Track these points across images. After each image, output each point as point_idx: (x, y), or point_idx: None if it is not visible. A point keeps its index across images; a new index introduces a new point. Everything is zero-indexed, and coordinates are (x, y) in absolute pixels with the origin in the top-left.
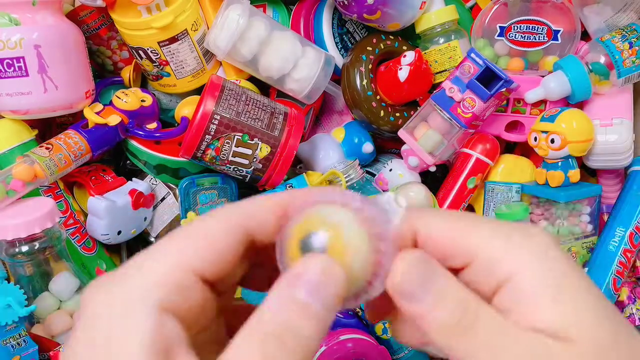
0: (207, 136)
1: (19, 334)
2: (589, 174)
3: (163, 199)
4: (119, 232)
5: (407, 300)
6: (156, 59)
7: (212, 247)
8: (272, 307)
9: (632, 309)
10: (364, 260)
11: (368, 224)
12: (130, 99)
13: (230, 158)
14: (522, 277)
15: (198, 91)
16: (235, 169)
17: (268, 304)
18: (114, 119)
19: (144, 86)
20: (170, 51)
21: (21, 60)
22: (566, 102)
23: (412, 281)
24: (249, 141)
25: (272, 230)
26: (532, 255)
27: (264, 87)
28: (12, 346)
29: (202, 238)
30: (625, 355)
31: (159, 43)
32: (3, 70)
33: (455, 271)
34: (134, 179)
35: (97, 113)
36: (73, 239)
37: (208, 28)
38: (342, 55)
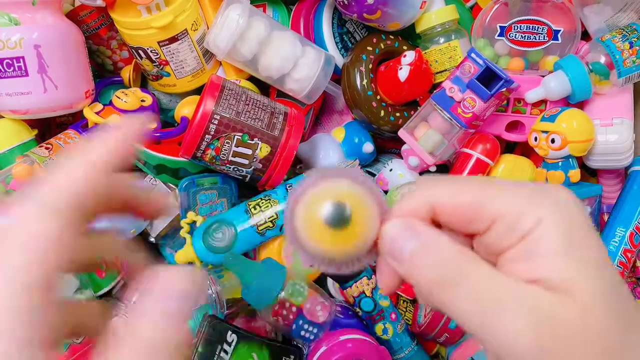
0: (207, 136)
1: None
2: (589, 174)
3: None
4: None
5: (395, 261)
6: (156, 58)
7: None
8: None
9: None
10: (375, 227)
11: (373, 194)
12: (130, 99)
13: (230, 158)
14: (538, 231)
15: (198, 91)
16: (235, 169)
17: None
18: (113, 119)
19: (144, 86)
20: (170, 51)
21: (21, 60)
22: (566, 102)
23: (396, 242)
24: (248, 141)
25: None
26: (551, 211)
27: (264, 87)
28: None
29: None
30: (613, 314)
31: (158, 43)
32: (3, 70)
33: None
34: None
35: (97, 113)
36: None
37: (208, 28)
38: (342, 55)
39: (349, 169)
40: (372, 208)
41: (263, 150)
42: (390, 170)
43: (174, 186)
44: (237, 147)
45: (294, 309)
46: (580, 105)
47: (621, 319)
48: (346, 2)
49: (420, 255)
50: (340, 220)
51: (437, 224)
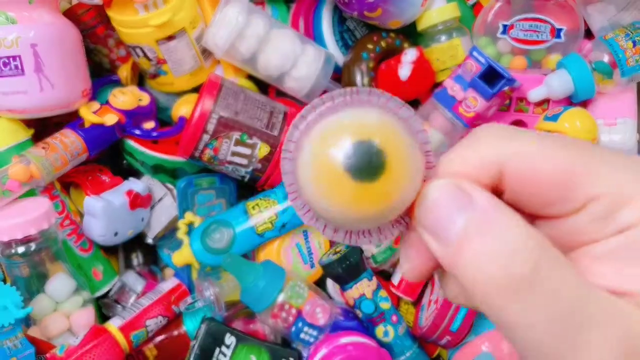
0: (205, 136)
1: (15, 336)
2: None
3: (160, 199)
4: (116, 233)
5: (436, 240)
6: (153, 57)
7: None
8: None
9: None
10: (417, 183)
11: (416, 134)
12: (127, 97)
13: (229, 158)
14: None
15: (196, 90)
16: (234, 169)
17: None
18: (110, 119)
19: (141, 85)
20: (167, 49)
21: (17, 59)
22: (569, 101)
23: (441, 211)
24: (247, 141)
25: None
26: None
27: (263, 86)
28: (9, 348)
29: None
30: None
31: (156, 41)
32: None
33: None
34: (131, 178)
35: (94, 112)
36: (69, 240)
37: (206, 26)
38: (343, 53)
39: (381, 93)
40: (413, 153)
41: (262, 150)
42: None
43: (171, 186)
44: (236, 146)
45: (293, 311)
46: (583, 104)
47: None
48: (346, 0)
49: (476, 237)
50: (368, 167)
51: (498, 195)
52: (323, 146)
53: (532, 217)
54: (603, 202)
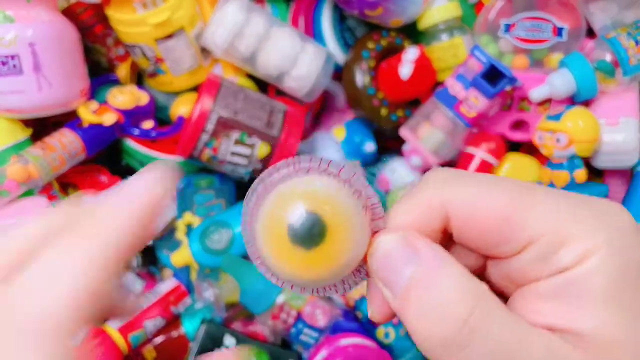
0: (204, 135)
1: None
2: (594, 174)
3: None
4: None
5: (386, 288)
6: (152, 56)
7: None
8: None
9: None
10: (364, 243)
11: (358, 194)
12: (125, 97)
13: (228, 158)
14: (584, 268)
15: (195, 89)
16: (234, 169)
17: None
18: (109, 118)
19: (140, 84)
20: (166, 48)
21: (16, 58)
22: (571, 100)
23: (390, 263)
24: (247, 140)
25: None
26: (606, 243)
27: (262, 85)
28: None
29: None
30: None
31: (154, 40)
32: None
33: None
34: (129, 178)
35: (93, 112)
36: None
37: (205, 24)
38: (343, 52)
39: (320, 159)
40: (355, 213)
41: (262, 149)
42: (392, 170)
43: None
44: (235, 146)
45: (293, 312)
46: (585, 104)
47: None
48: None
49: (418, 289)
50: (309, 235)
51: (446, 237)
52: (268, 218)
53: (483, 257)
54: (542, 244)
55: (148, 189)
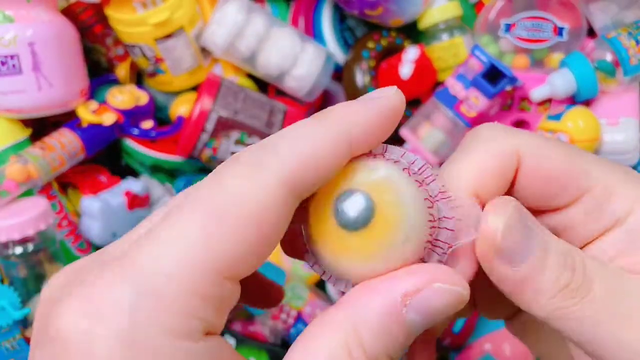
0: (204, 135)
1: (13, 337)
2: None
3: (159, 199)
4: (114, 234)
5: (508, 263)
6: (151, 56)
7: None
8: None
9: None
10: (420, 232)
11: (419, 182)
12: (125, 97)
13: (228, 157)
14: (637, 217)
15: (195, 89)
16: None
17: (365, 306)
18: (108, 118)
19: (139, 83)
20: (166, 48)
21: (15, 57)
22: (572, 100)
23: (516, 238)
24: (247, 140)
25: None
26: None
27: (262, 85)
28: (7, 349)
29: None
30: None
31: (154, 40)
32: None
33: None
34: (129, 178)
35: (92, 111)
36: (67, 241)
37: (205, 24)
38: (343, 52)
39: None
40: (415, 206)
41: None
42: None
43: (170, 186)
44: (235, 146)
45: (293, 312)
46: (586, 104)
47: None
48: None
49: (541, 254)
50: (354, 215)
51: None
52: (322, 190)
53: (536, 213)
54: (596, 193)
55: (384, 95)
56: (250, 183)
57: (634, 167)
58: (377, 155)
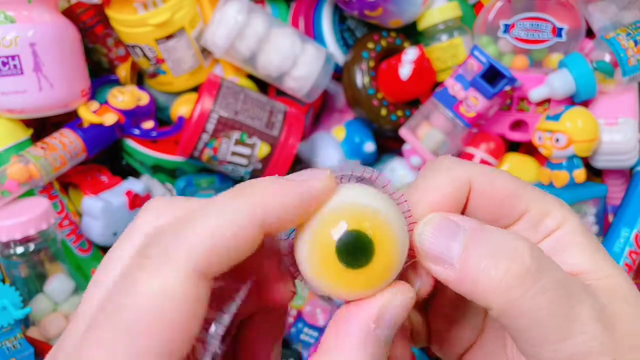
0: (204, 135)
1: (15, 337)
2: (594, 174)
3: None
4: (115, 234)
5: (439, 264)
6: (152, 56)
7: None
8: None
9: None
10: (404, 252)
11: (400, 206)
12: (126, 97)
13: (229, 158)
14: (565, 231)
15: (195, 89)
16: (234, 169)
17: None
18: (109, 118)
19: (140, 84)
20: (166, 48)
21: (16, 58)
22: (571, 100)
23: (437, 240)
24: (247, 140)
25: (291, 224)
26: (572, 215)
27: (262, 85)
28: (8, 349)
29: (209, 236)
30: None
31: (155, 40)
32: None
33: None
34: (130, 178)
35: (93, 112)
36: (69, 240)
37: (205, 25)
38: (343, 52)
39: (371, 171)
40: (401, 229)
41: (262, 149)
42: (392, 170)
43: (170, 186)
44: (236, 146)
45: (293, 312)
46: (585, 104)
47: None
48: None
49: (477, 247)
50: (357, 255)
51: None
52: (318, 232)
53: None
54: (533, 214)
55: (312, 177)
56: (160, 283)
57: (633, 167)
58: (367, 180)
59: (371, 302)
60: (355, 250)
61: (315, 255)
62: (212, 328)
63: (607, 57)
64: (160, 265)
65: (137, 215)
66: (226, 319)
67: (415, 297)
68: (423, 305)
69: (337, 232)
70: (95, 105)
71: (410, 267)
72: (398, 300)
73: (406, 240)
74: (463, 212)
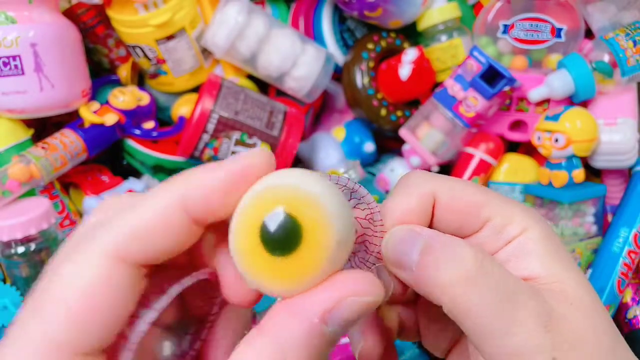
0: (205, 135)
1: None
2: (593, 173)
3: None
4: None
5: (399, 268)
6: (153, 57)
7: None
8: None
9: (636, 310)
10: (346, 242)
11: (351, 199)
12: (127, 97)
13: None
14: (526, 237)
15: (196, 90)
16: None
17: (277, 321)
18: (110, 118)
19: (141, 84)
20: (167, 49)
21: (17, 58)
22: (570, 101)
23: (397, 247)
24: (247, 140)
25: (220, 208)
26: (535, 222)
27: (263, 86)
28: None
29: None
30: (607, 316)
31: (156, 41)
32: None
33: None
34: (130, 178)
35: (94, 112)
36: None
37: (206, 25)
38: (343, 53)
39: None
40: (340, 217)
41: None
42: (392, 170)
43: None
44: (236, 146)
45: None
46: (584, 104)
47: (611, 321)
48: (347, 0)
49: (431, 254)
50: (282, 241)
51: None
52: (242, 215)
53: None
54: (496, 222)
55: (245, 157)
56: (76, 267)
57: (632, 167)
58: (346, 188)
59: (321, 292)
60: (279, 234)
61: (240, 243)
62: (137, 324)
63: (606, 58)
64: (77, 253)
65: (90, 213)
66: (151, 314)
67: (387, 297)
68: (412, 302)
69: (261, 214)
70: (96, 105)
71: (384, 270)
72: (353, 300)
73: (349, 232)
74: (431, 224)
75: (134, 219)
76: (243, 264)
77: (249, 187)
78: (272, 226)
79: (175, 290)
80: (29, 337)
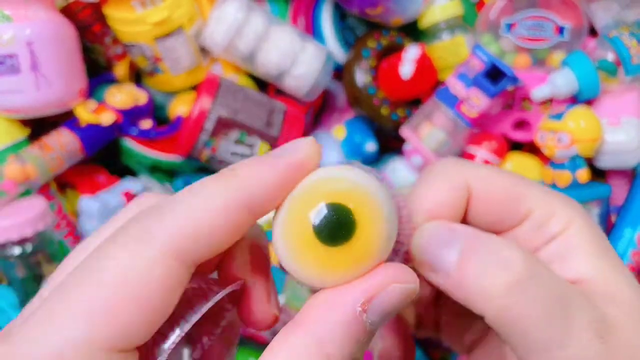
0: (203, 135)
1: None
2: (597, 174)
3: None
4: None
5: (432, 271)
6: (150, 55)
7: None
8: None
9: None
10: (392, 233)
11: (395, 197)
12: (124, 96)
13: (228, 157)
14: (570, 233)
15: (194, 88)
16: None
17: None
18: (107, 117)
19: (138, 83)
20: (165, 47)
21: (13, 57)
22: (573, 99)
23: (432, 250)
24: (246, 140)
25: (277, 202)
26: (580, 215)
27: (262, 84)
28: None
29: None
30: None
31: (153, 39)
32: None
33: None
34: (127, 178)
35: (91, 111)
36: (66, 241)
37: (204, 23)
38: (344, 51)
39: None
40: (387, 208)
41: (261, 149)
42: (393, 169)
43: (169, 186)
44: (235, 146)
45: (293, 313)
46: (587, 103)
47: None
48: None
49: (472, 258)
50: (336, 230)
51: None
52: (294, 212)
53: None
54: (536, 216)
55: (300, 149)
56: (133, 258)
57: (636, 167)
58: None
59: (362, 283)
60: (334, 224)
61: (290, 235)
62: (177, 331)
63: (610, 56)
64: (136, 243)
65: (124, 207)
66: (194, 317)
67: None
68: (433, 297)
69: (314, 205)
70: (92, 104)
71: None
72: (396, 287)
73: (394, 222)
74: (465, 217)
75: (195, 215)
76: (291, 253)
77: (303, 179)
78: (329, 215)
79: (218, 297)
80: (70, 320)
